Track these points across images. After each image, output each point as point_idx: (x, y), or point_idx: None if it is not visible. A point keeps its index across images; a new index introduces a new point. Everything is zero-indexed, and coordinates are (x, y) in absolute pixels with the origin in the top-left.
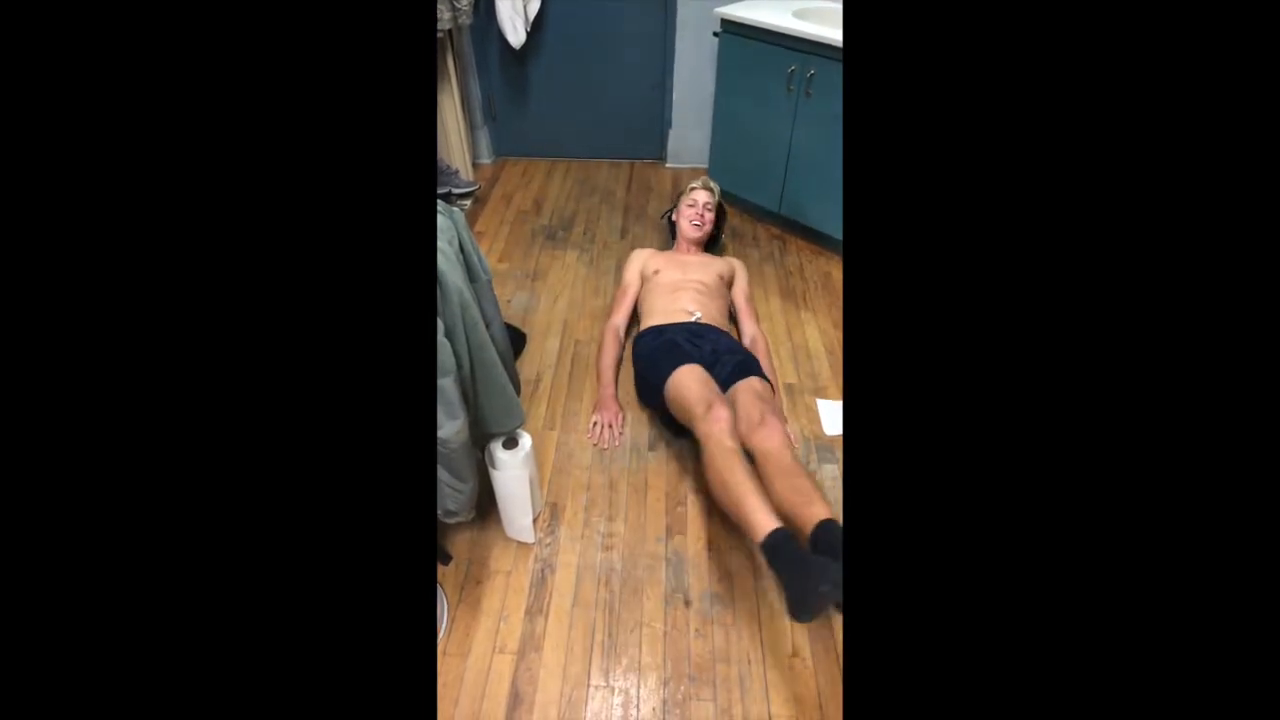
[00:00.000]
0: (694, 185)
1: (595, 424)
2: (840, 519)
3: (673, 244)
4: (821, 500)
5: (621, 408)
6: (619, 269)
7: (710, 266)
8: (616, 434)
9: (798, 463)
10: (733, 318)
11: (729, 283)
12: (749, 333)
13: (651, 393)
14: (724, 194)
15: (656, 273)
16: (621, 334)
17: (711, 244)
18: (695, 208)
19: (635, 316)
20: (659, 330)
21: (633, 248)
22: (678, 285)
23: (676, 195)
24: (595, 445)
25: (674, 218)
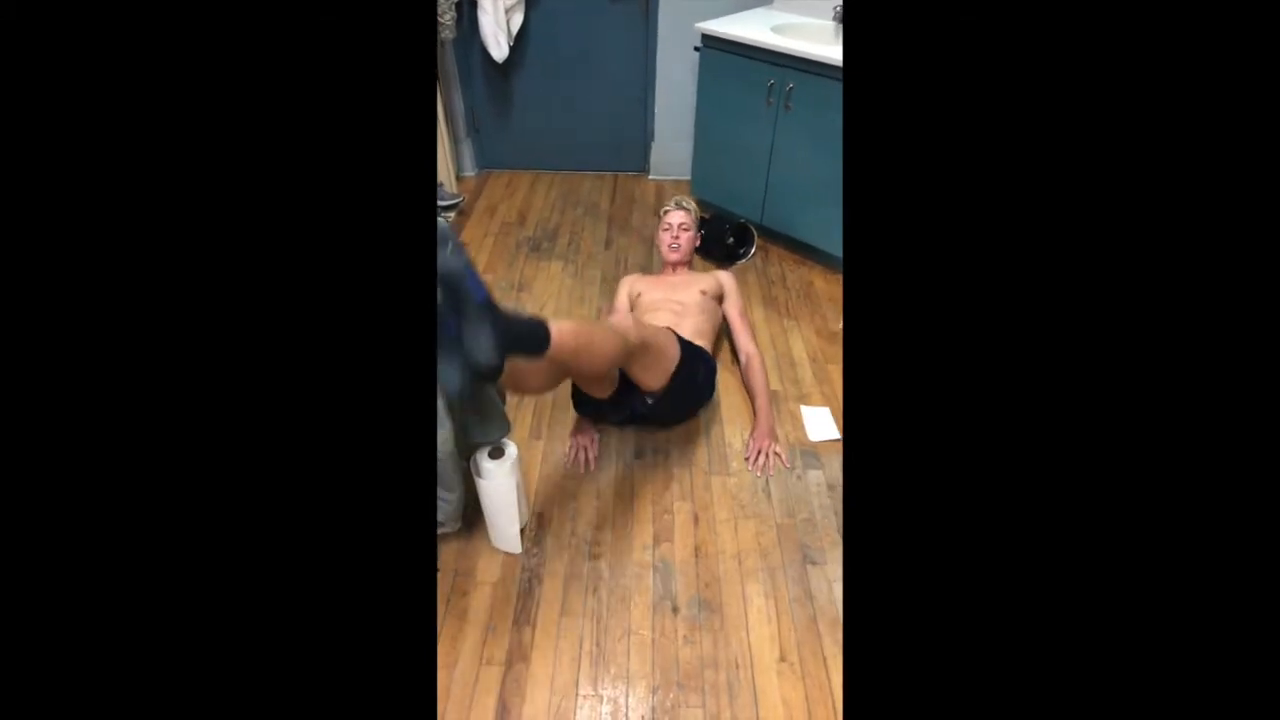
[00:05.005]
0: (668, 207)
1: (571, 448)
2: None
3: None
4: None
5: (598, 431)
6: (604, 279)
7: (693, 284)
8: (592, 457)
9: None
10: (730, 337)
11: (718, 298)
12: (744, 351)
13: (581, 397)
14: (707, 206)
15: (640, 295)
16: None
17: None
18: (670, 230)
19: None
20: None
21: (617, 258)
22: (656, 306)
23: (660, 214)
24: (569, 468)
25: (655, 240)
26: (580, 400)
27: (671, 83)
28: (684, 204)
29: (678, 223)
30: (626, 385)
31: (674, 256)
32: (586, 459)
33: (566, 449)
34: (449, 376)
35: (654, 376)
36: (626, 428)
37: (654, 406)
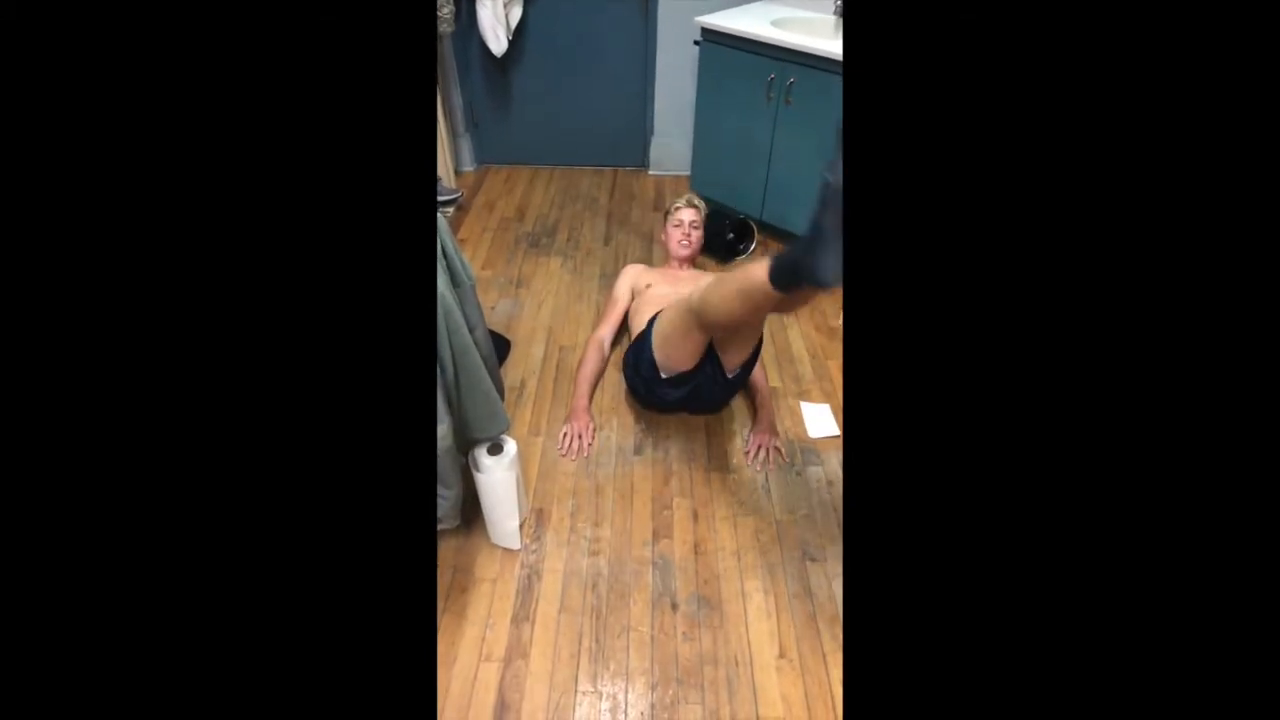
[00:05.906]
0: (678, 204)
1: (565, 434)
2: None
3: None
4: None
5: (593, 419)
6: (603, 275)
7: (699, 281)
8: (585, 445)
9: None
10: None
11: None
12: None
13: (646, 373)
14: (707, 201)
15: (649, 286)
16: (606, 347)
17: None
18: (681, 227)
19: (624, 330)
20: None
21: (617, 254)
22: (665, 299)
23: (664, 213)
24: (563, 455)
25: (661, 237)
26: (640, 374)
27: (671, 77)
28: (694, 202)
29: (689, 220)
30: (708, 358)
31: (684, 253)
32: (580, 447)
33: (560, 434)
34: (834, 265)
35: (740, 350)
36: (652, 413)
37: (719, 382)
